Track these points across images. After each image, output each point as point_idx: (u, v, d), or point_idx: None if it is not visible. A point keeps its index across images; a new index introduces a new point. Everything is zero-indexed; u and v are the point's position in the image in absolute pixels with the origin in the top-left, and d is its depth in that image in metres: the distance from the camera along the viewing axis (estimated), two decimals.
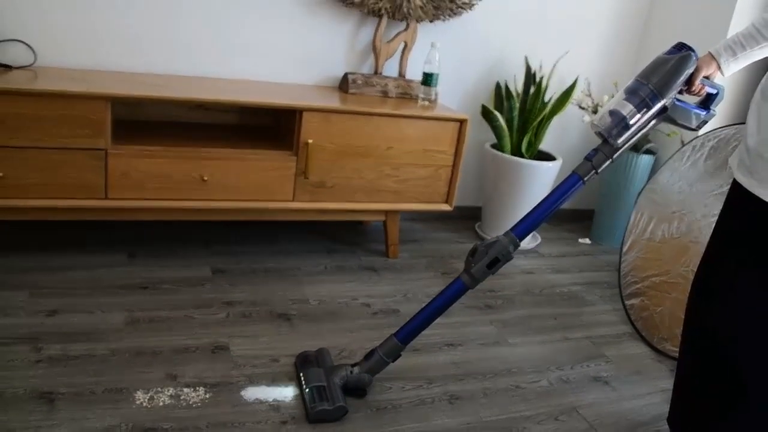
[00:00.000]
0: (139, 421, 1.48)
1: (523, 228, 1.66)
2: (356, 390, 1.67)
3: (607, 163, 1.59)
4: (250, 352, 1.82)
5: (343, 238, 2.73)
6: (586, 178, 1.59)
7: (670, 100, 1.55)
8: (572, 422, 1.75)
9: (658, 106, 1.54)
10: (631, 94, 1.55)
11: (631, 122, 1.54)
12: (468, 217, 3.18)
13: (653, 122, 1.57)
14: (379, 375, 1.73)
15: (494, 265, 1.61)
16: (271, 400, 1.63)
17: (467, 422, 1.68)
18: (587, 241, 3.20)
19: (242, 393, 1.64)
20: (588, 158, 1.60)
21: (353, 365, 1.68)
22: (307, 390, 1.60)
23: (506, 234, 1.63)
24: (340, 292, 2.25)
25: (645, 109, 1.53)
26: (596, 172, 1.59)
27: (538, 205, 1.67)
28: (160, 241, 2.43)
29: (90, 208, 2.13)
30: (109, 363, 1.67)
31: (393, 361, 1.67)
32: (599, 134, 1.57)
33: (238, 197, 2.26)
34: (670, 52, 1.56)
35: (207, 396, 1.60)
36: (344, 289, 2.28)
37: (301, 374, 1.67)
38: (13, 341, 1.71)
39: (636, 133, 1.56)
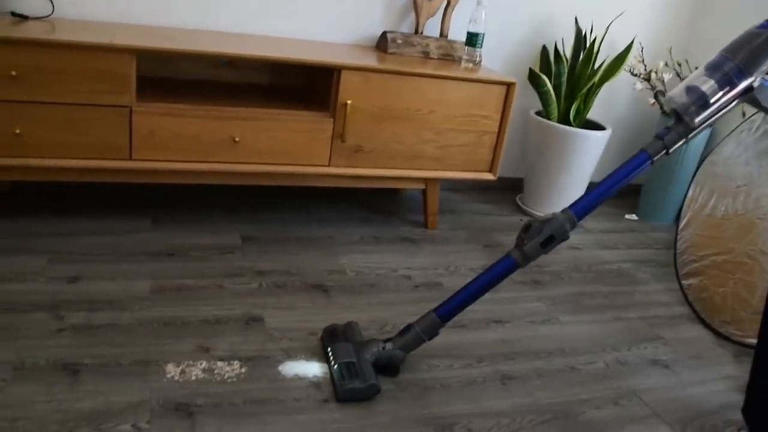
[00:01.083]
0: (170, 396, 1.35)
1: (583, 206, 1.50)
2: (388, 368, 1.53)
3: (681, 143, 1.43)
4: (286, 324, 1.68)
5: (379, 207, 2.58)
6: (655, 158, 1.44)
7: (758, 80, 1.38)
8: (632, 407, 1.60)
9: (744, 84, 1.37)
10: (714, 69, 1.37)
11: (712, 101, 1.37)
12: (508, 188, 3.02)
13: (735, 102, 1.40)
14: (422, 352, 1.59)
15: (549, 243, 1.46)
16: (311, 376, 1.50)
17: (521, 404, 1.54)
18: (634, 217, 3.03)
19: (279, 368, 1.50)
20: (659, 137, 1.44)
21: (385, 341, 1.54)
22: (335, 366, 1.47)
23: (564, 211, 1.48)
24: (379, 263, 2.11)
25: (728, 87, 1.36)
26: (667, 153, 1.43)
27: (601, 182, 1.51)
28: (186, 207, 2.29)
29: (113, 170, 1.99)
30: (135, 333, 1.54)
31: (429, 339, 1.53)
32: (674, 112, 1.40)
33: (270, 161, 2.11)
34: (762, 26, 1.38)
35: (242, 370, 1.47)
36: (382, 259, 2.14)
37: (329, 349, 1.53)
38: (33, 308, 1.58)
39: (716, 113, 1.39)
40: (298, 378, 1.48)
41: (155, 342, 1.52)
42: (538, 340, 1.84)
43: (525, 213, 2.80)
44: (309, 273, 1.97)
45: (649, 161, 1.45)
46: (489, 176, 2.43)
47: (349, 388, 1.41)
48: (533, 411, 1.53)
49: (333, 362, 1.48)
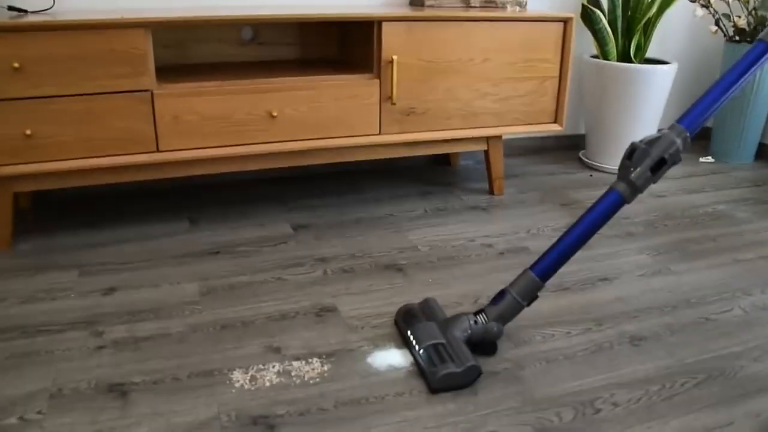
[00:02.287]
0: (244, 409, 1.08)
1: (696, 116, 1.22)
2: (483, 345, 1.25)
3: None
4: (365, 311, 1.41)
5: (435, 180, 2.30)
6: None
7: None
8: None
9: None
10: None
11: None
12: (568, 147, 2.74)
13: None
14: (528, 321, 1.32)
15: (659, 168, 1.18)
16: (408, 365, 1.22)
17: (665, 367, 1.24)
18: (710, 159, 2.73)
19: (369, 360, 1.23)
20: None
21: (475, 313, 1.26)
22: (421, 351, 1.19)
23: (672, 127, 1.19)
24: (452, 235, 1.83)
25: None
26: None
27: (712, 86, 1.22)
28: (225, 202, 2.04)
29: (139, 165, 1.74)
30: (189, 342, 1.28)
31: (528, 305, 1.24)
32: None
33: (314, 135, 1.85)
34: None
35: (325, 369, 1.19)
36: (454, 231, 1.86)
37: (409, 333, 1.26)
38: (66, 327, 1.33)
39: None
40: (394, 369, 1.20)
41: (214, 349, 1.26)
42: (656, 293, 1.55)
43: (592, 168, 2.51)
44: (377, 254, 1.70)
45: None
46: (555, 127, 2.14)
47: (444, 374, 1.13)
48: (682, 373, 1.23)
49: (417, 347, 1.20)
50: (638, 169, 1.19)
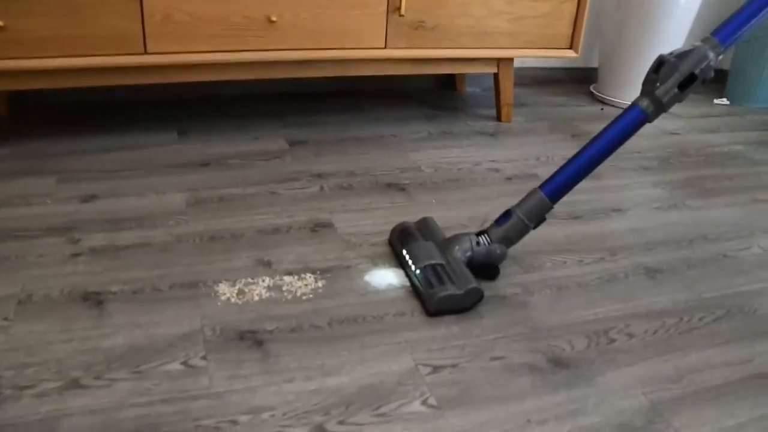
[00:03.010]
0: (231, 322, 0.99)
1: (733, 28, 1.10)
2: (485, 268, 1.15)
3: None
4: (364, 228, 1.31)
5: (440, 105, 2.18)
6: None
7: None
8: None
9: None
10: None
11: None
12: (579, 79, 2.61)
13: None
14: (537, 246, 1.23)
15: (689, 84, 1.06)
16: (408, 283, 1.12)
17: (682, 301, 1.16)
18: (724, 101, 2.61)
19: (367, 278, 1.14)
20: None
21: (478, 234, 1.16)
22: (418, 272, 1.09)
23: (706, 39, 1.07)
24: (457, 158, 1.72)
25: None
26: None
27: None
28: (217, 117, 1.92)
29: (125, 67, 1.61)
30: (174, 251, 1.18)
31: (535, 227, 1.14)
32: None
33: (315, 45, 1.71)
34: None
35: (319, 285, 1.10)
36: (460, 154, 1.75)
37: (405, 252, 1.15)
38: (40, 233, 1.23)
39: None
40: (394, 288, 1.11)
41: (200, 260, 1.16)
42: (673, 227, 1.46)
43: (604, 102, 2.39)
44: (378, 172, 1.59)
45: None
46: (570, 53, 2.01)
47: (442, 296, 1.03)
48: (700, 307, 1.15)
49: (414, 267, 1.11)
50: (665, 85, 1.07)
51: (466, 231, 1.16)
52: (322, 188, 1.49)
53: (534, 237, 1.31)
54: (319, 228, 1.30)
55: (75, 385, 0.86)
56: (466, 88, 2.41)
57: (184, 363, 0.90)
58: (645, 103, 1.10)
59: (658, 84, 1.08)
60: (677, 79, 1.07)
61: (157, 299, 1.04)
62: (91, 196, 1.40)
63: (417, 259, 1.11)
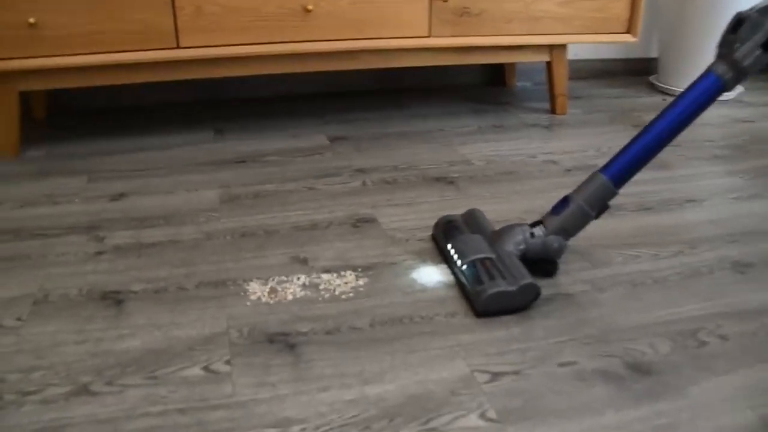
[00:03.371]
0: (260, 323, 0.88)
1: None
2: (541, 263, 1.01)
3: None
4: (410, 223, 1.19)
5: (488, 100, 2.05)
6: None
7: None
8: None
9: None
10: None
11: None
12: (637, 71, 2.44)
13: None
14: (601, 240, 1.09)
15: None
16: (454, 281, 1.00)
17: None
18: None
19: (414, 275, 1.01)
20: None
21: (532, 225, 1.02)
22: (464, 267, 0.96)
23: None
24: (510, 151, 1.59)
25: None
26: None
27: None
28: (254, 117, 1.83)
29: (157, 62, 1.54)
30: (202, 249, 1.08)
31: (597, 216, 1.00)
32: None
33: (354, 35, 1.61)
34: None
35: (360, 283, 0.98)
36: (513, 146, 1.62)
37: (449, 246, 1.02)
38: (64, 232, 1.15)
39: None
40: (445, 286, 0.99)
41: (231, 257, 1.05)
42: (757, 218, 1.29)
43: (665, 93, 2.22)
44: (424, 166, 1.47)
45: None
46: (628, 38, 1.86)
47: (492, 294, 0.90)
48: None
49: (459, 262, 0.97)
50: (746, 45, 0.92)
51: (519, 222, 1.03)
52: (364, 183, 1.37)
53: (600, 229, 1.17)
54: (361, 223, 1.19)
55: (83, 391, 0.76)
56: (516, 83, 2.27)
57: (206, 368, 0.79)
58: (721, 68, 0.95)
59: (737, 45, 0.93)
60: (761, 39, 0.92)
61: (180, 299, 0.94)
62: (119, 194, 1.32)
63: (463, 253, 0.98)
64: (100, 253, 1.08)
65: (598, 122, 1.87)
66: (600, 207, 1.01)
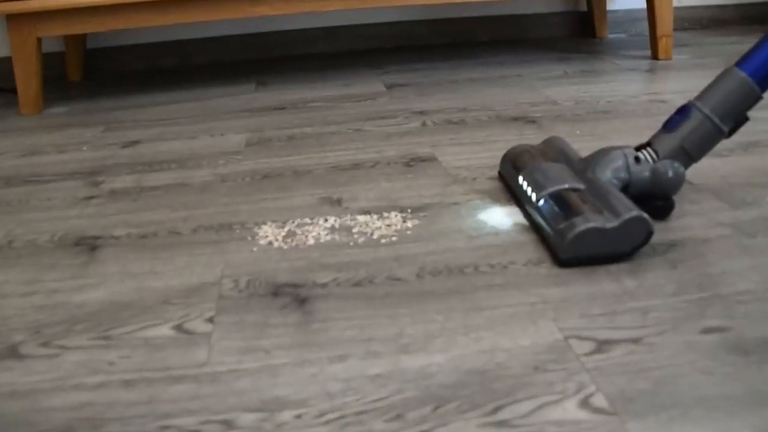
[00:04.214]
0: (265, 272, 0.64)
1: None
2: (650, 199, 0.70)
3: None
4: (476, 161, 0.92)
5: (576, 48, 1.74)
6: None
7: None
8: None
9: None
10: None
11: None
12: (753, 19, 2.07)
13: None
14: (737, 175, 0.78)
15: None
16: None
17: None
18: None
19: (482, 216, 0.74)
20: None
21: (639, 147, 0.73)
22: (541, 202, 0.69)
23: None
24: (605, 92, 1.29)
25: None
26: None
27: None
28: (304, 70, 1.60)
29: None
30: (212, 191, 0.85)
31: (731, 133, 0.72)
32: None
33: None
34: None
35: (408, 225, 0.73)
36: (608, 88, 1.32)
37: (521, 178, 0.74)
38: (60, 178, 0.95)
39: None
40: (526, 229, 0.71)
41: (245, 199, 0.82)
42: None
43: None
44: (500, 107, 1.20)
45: None
46: None
47: (580, 231, 0.62)
48: None
49: (535, 196, 0.69)
50: None
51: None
52: (424, 124, 1.12)
53: (736, 161, 0.87)
54: (416, 162, 0.93)
55: (10, 353, 0.54)
56: (608, 34, 1.95)
57: (178, 327, 0.56)
58: None
59: None
60: None
61: (169, 244, 0.71)
62: (133, 141, 1.11)
63: (539, 184, 0.70)
64: (90, 197, 0.87)
65: (708, 66, 1.54)
66: (736, 118, 0.71)
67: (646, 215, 0.63)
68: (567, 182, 0.69)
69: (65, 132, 1.21)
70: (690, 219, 0.72)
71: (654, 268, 0.63)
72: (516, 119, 1.12)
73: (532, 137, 1.01)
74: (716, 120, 0.70)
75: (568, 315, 0.56)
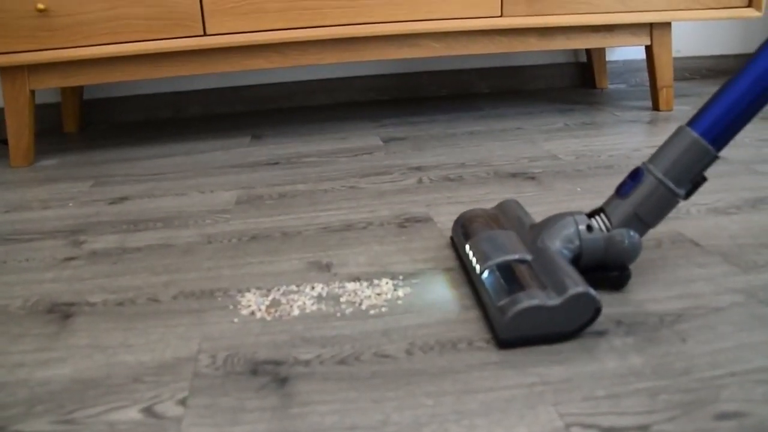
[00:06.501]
0: (244, 347, 0.60)
1: None
2: (603, 270, 0.67)
3: None
4: None
5: (577, 100, 1.73)
6: None
7: None
8: None
9: None
10: None
11: None
12: None
13: None
14: (746, 236, 0.74)
15: None
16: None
17: None
18: None
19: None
20: None
21: (591, 214, 0.70)
22: (484, 274, 0.65)
23: None
24: (606, 146, 1.26)
25: None
26: None
27: None
28: (299, 122, 1.58)
29: (182, 52, 1.32)
30: (196, 254, 0.81)
31: (688, 195, 0.67)
32: None
33: (412, 16, 1.35)
34: None
35: (399, 294, 0.69)
36: (609, 142, 1.29)
37: (468, 247, 0.71)
38: (41, 236, 0.92)
39: None
40: None
41: (229, 263, 0.78)
42: None
43: None
44: (499, 162, 1.17)
45: None
46: (750, 13, 1.51)
47: (519, 311, 0.57)
48: None
49: (479, 267, 0.66)
50: None
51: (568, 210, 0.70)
52: (420, 180, 1.08)
53: (744, 222, 0.83)
54: (410, 223, 0.89)
55: None
56: (608, 85, 1.95)
57: (147, 409, 0.51)
58: None
59: None
60: None
61: (146, 313, 0.67)
62: (121, 198, 1.08)
63: (484, 255, 0.66)
64: (70, 258, 0.83)
65: None
66: (693, 179, 0.67)
67: (592, 291, 0.58)
68: (508, 253, 0.65)
69: (53, 186, 1.18)
70: (699, 285, 0.68)
71: (661, 341, 0.58)
72: (515, 175, 1.09)
73: (532, 194, 0.98)
74: (670, 184, 0.66)
75: (569, 398, 0.51)
